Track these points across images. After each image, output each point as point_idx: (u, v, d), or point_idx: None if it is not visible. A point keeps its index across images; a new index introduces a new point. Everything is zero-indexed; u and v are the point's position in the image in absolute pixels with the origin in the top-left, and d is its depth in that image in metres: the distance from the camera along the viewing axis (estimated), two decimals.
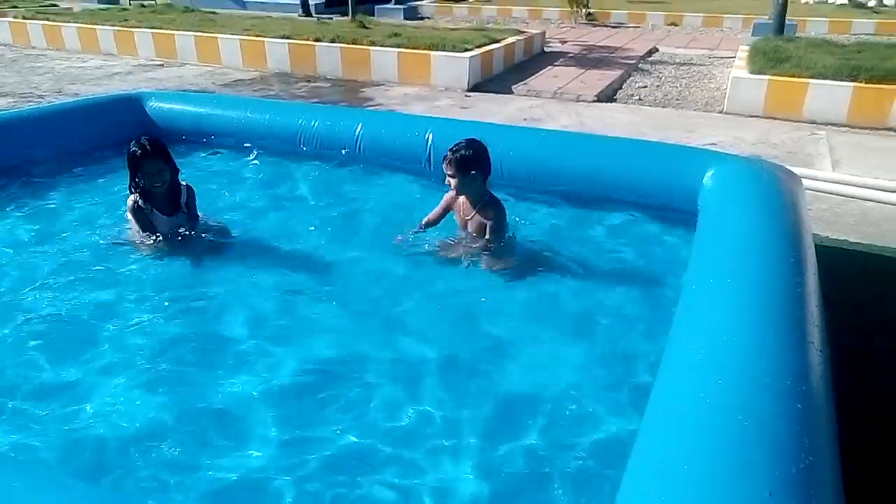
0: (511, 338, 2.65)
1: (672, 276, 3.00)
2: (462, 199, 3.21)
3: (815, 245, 2.68)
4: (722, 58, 10.47)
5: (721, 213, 3.02)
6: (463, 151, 3.03)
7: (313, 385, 2.35)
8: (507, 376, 2.42)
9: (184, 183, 3.34)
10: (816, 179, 4.75)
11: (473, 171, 3.04)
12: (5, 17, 12.40)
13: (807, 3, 18.37)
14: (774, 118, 6.83)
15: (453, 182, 3.08)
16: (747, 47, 8.62)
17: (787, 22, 10.54)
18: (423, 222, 3.41)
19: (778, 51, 7.81)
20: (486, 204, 3.16)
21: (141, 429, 2.12)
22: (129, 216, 3.23)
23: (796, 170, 4.07)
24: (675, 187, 3.62)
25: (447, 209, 3.36)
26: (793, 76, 6.90)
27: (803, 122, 6.69)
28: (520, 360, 2.51)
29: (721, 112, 7.15)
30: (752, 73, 7.22)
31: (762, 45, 8.45)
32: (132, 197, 3.19)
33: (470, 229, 3.23)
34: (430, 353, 2.53)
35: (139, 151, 3.05)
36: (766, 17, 11.68)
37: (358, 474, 1.95)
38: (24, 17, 11.97)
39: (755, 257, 2.43)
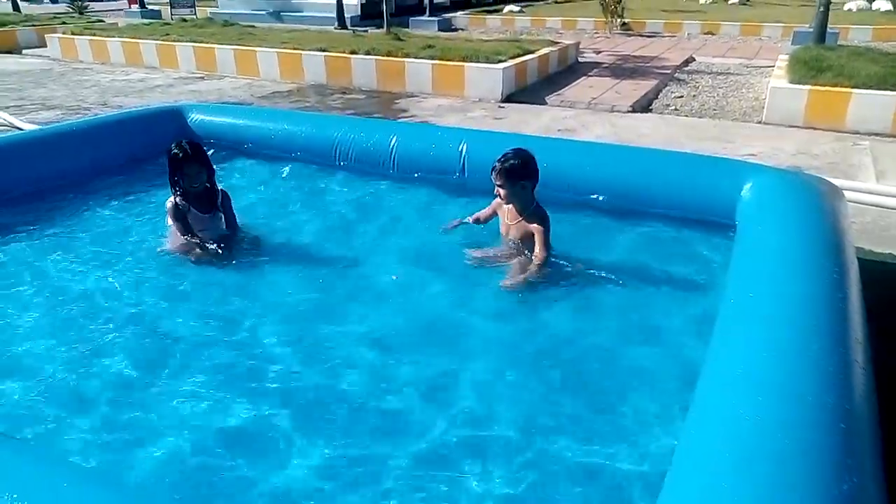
0: (545, 347, 2.64)
1: (710, 290, 2.96)
2: (508, 207, 3.25)
3: (859, 259, 2.62)
4: (760, 67, 10.30)
5: (760, 226, 2.97)
6: (512, 161, 3.08)
7: (350, 394, 2.38)
8: (541, 384, 2.41)
9: (220, 187, 3.50)
10: (859, 191, 4.63)
11: (523, 182, 3.10)
12: (55, 32, 12.87)
13: (850, 10, 17.97)
14: (815, 128, 6.69)
15: (502, 192, 3.13)
16: (787, 56, 8.47)
17: (828, 30, 10.32)
18: (472, 217, 3.50)
19: (819, 60, 7.65)
20: (532, 213, 3.19)
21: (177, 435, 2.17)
22: (169, 217, 3.37)
23: (838, 182, 3.98)
24: (712, 200, 3.58)
25: (494, 212, 3.42)
26: (835, 86, 6.75)
27: (845, 133, 6.53)
28: (552, 371, 2.50)
29: (759, 122, 7.03)
30: (791, 82, 7.09)
31: (803, 54, 8.29)
32: (171, 199, 3.35)
33: (512, 236, 3.27)
34: (466, 363, 2.54)
35: (180, 154, 3.24)
36: (807, 25, 11.46)
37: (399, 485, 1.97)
38: (72, 33, 12.41)
39: (796, 272, 2.38)
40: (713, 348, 2.06)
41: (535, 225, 3.14)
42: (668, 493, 1.48)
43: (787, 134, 6.57)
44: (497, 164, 3.10)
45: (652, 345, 2.65)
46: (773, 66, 8.65)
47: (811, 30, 10.50)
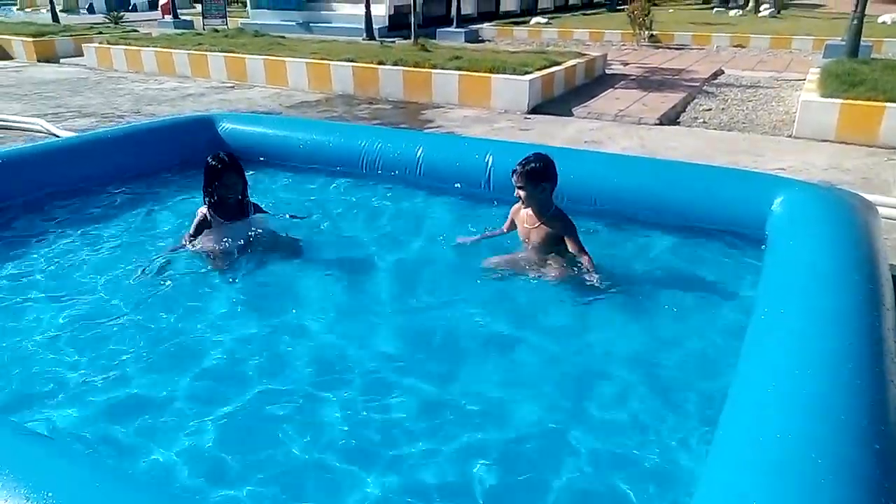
0: (571, 358, 2.63)
1: (740, 304, 2.92)
2: (527, 211, 3.29)
3: (893, 276, 2.57)
4: (791, 80, 10.17)
5: (791, 241, 2.93)
6: (533, 164, 3.15)
7: (382, 400, 2.39)
8: (565, 395, 2.40)
9: (251, 199, 3.59)
10: (893, 207, 4.54)
11: (543, 184, 3.17)
12: (92, 42, 13.20)
13: (884, 22, 17.67)
14: (847, 143, 6.57)
15: (522, 194, 3.18)
16: (818, 70, 8.35)
17: (862, 43, 10.15)
18: (485, 234, 3.59)
19: (852, 73, 7.53)
20: (553, 216, 3.24)
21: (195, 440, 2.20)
22: (194, 225, 3.43)
23: (871, 197, 3.91)
24: (741, 214, 3.54)
25: (513, 223, 3.47)
26: (868, 100, 6.64)
27: (878, 148, 6.41)
28: (576, 383, 2.49)
29: (790, 136, 6.93)
30: (823, 96, 6.98)
31: (835, 67, 8.17)
32: (203, 208, 3.42)
33: (533, 239, 3.30)
34: (494, 371, 2.54)
35: (219, 165, 3.33)
36: (839, 38, 11.30)
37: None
38: (108, 43, 12.71)
39: (828, 288, 2.35)
40: (743, 364, 2.03)
41: (559, 227, 3.22)
42: None
43: (819, 148, 6.47)
44: (518, 166, 3.18)
45: (678, 358, 2.62)
46: (804, 80, 8.53)
47: (843, 42, 10.34)
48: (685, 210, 3.73)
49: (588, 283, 3.08)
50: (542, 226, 3.25)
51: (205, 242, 3.45)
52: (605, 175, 4.02)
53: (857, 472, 1.45)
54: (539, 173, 3.15)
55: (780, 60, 12.88)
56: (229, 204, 3.44)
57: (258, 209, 3.64)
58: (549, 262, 3.23)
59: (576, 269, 3.18)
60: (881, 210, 3.57)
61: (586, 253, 3.18)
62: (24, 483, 1.45)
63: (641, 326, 2.87)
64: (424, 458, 2.11)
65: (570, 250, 3.20)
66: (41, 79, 11.14)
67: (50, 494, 1.42)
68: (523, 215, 3.34)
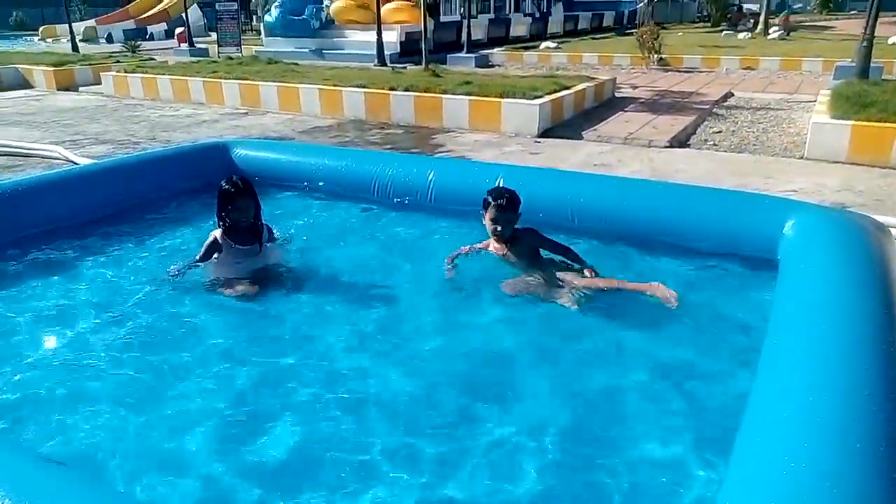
0: (584, 383, 2.62)
1: (751, 330, 2.90)
2: (497, 239, 3.46)
3: None
4: (801, 102, 10.17)
5: (803, 265, 2.92)
6: (511, 194, 3.38)
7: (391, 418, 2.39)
8: (578, 418, 2.38)
9: (264, 222, 3.61)
10: None
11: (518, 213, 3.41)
12: (109, 71, 13.48)
13: (894, 43, 17.67)
14: (859, 164, 6.55)
15: (501, 225, 3.36)
16: (829, 91, 8.35)
17: (872, 64, 10.16)
18: (467, 248, 3.69)
19: (863, 95, 7.53)
20: (519, 232, 3.44)
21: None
22: (204, 248, 3.46)
23: (884, 219, 3.89)
24: (753, 237, 3.52)
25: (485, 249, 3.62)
26: (880, 121, 6.63)
27: (891, 169, 6.38)
28: (589, 407, 2.47)
29: (801, 158, 6.92)
30: (834, 118, 6.98)
31: (845, 89, 8.17)
32: (216, 231, 3.45)
33: (514, 259, 3.46)
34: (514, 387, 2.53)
35: (232, 189, 3.36)
36: (849, 59, 11.31)
37: None
38: (125, 71, 12.98)
39: (841, 313, 2.32)
40: (757, 389, 2.01)
41: (527, 242, 3.45)
42: None
43: (830, 170, 6.45)
44: (502, 200, 3.34)
45: (689, 384, 2.60)
46: (815, 101, 8.54)
47: (854, 64, 10.36)
48: (695, 234, 3.72)
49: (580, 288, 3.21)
50: (514, 246, 3.45)
51: (216, 267, 3.48)
52: (615, 199, 4.03)
53: (874, 500, 1.43)
54: (517, 201, 3.39)
55: (790, 82, 12.90)
56: (242, 228, 3.46)
57: (270, 233, 3.65)
58: (559, 280, 3.31)
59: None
60: (894, 232, 3.54)
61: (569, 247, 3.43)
62: None
63: (651, 350, 2.85)
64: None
65: (551, 249, 3.44)
66: (60, 107, 11.37)
67: None
68: (494, 245, 3.51)
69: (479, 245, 3.65)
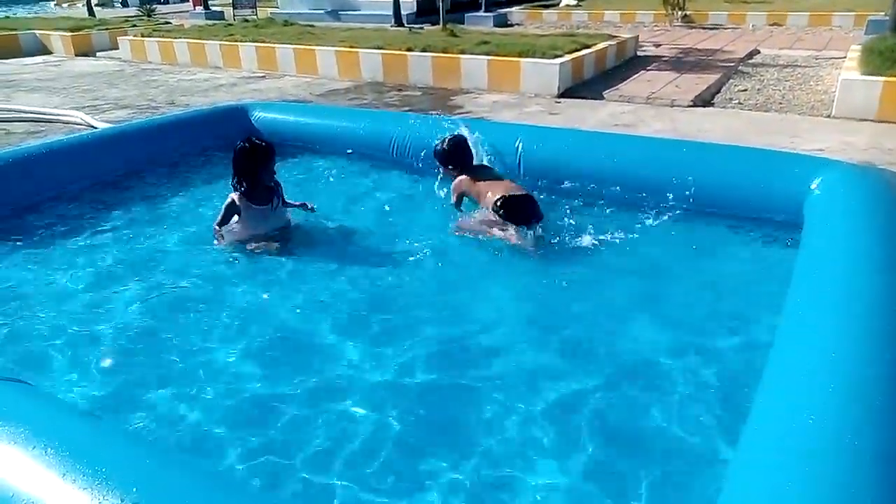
0: (600, 345, 2.63)
1: (777, 288, 2.86)
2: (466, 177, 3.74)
3: None
4: (830, 59, 9.87)
5: (829, 225, 2.87)
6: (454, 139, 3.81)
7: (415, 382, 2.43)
8: (594, 389, 2.40)
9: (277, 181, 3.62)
10: None
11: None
12: (126, 35, 13.45)
13: None
14: (890, 122, 6.37)
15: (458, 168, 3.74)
16: (859, 47, 8.09)
17: None
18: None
19: None
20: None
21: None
22: (222, 211, 3.47)
23: None
24: (778, 196, 3.47)
25: (462, 193, 3.78)
26: None
27: None
28: (603, 370, 2.49)
29: (829, 116, 6.74)
30: (864, 74, 6.76)
31: (877, 44, 7.90)
32: (233, 194, 3.46)
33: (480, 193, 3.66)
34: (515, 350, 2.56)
35: (256, 150, 3.38)
36: (883, 13, 10.91)
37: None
38: (142, 35, 12.94)
39: (868, 274, 2.29)
40: (777, 350, 2.00)
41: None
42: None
43: (859, 128, 6.28)
44: (446, 144, 3.82)
45: (708, 349, 2.58)
46: (845, 58, 8.28)
47: (887, 18, 9.98)
48: (720, 193, 3.66)
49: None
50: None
51: (237, 227, 3.52)
52: (636, 158, 3.97)
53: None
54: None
55: (819, 38, 12.51)
56: (259, 188, 3.46)
57: (280, 192, 3.62)
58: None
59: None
60: None
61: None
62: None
63: (671, 311, 2.84)
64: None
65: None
66: (79, 72, 11.41)
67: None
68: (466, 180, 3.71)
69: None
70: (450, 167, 3.85)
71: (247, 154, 3.39)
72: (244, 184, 3.43)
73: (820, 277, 2.33)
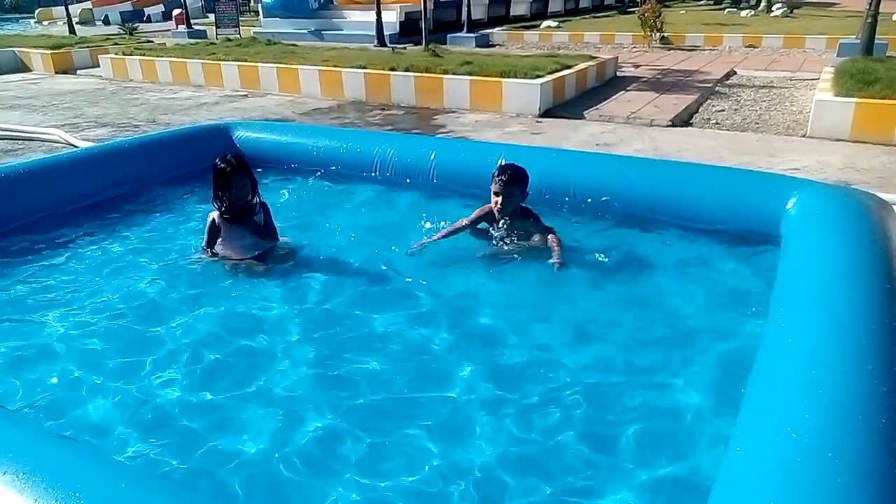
0: (579, 361, 2.63)
1: (754, 307, 2.90)
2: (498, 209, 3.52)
3: None
4: (805, 80, 10.10)
5: (806, 244, 2.91)
6: (516, 170, 3.45)
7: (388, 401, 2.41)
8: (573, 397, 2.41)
9: (259, 200, 3.57)
10: None
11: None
12: (107, 53, 13.39)
13: None
14: (863, 142, 6.52)
15: (501, 199, 3.43)
16: (832, 69, 8.29)
17: (877, 41, 10.06)
18: (446, 231, 3.68)
19: (867, 72, 7.47)
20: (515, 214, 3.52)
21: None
22: (206, 232, 3.46)
23: (887, 196, 3.88)
24: (755, 215, 3.52)
25: (479, 219, 3.65)
26: (884, 98, 6.58)
27: (895, 147, 6.35)
28: (592, 388, 2.49)
29: (804, 136, 6.89)
30: (837, 95, 6.93)
31: (849, 66, 8.11)
32: (214, 213, 3.44)
33: (511, 228, 3.53)
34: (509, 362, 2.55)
35: (227, 167, 3.33)
36: (854, 36, 11.20)
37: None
38: (123, 54, 12.89)
39: (844, 290, 2.33)
40: (759, 366, 2.02)
41: (531, 220, 3.54)
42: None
43: (833, 148, 6.42)
44: (503, 175, 3.42)
45: (691, 364, 2.60)
46: (818, 79, 8.47)
47: (858, 41, 10.26)
48: (698, 212, 3.71)
49: (551, 263, 3.32)
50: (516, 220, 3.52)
51: (219, 247, 3.49)
52: (617, 177, 4.02)
53: (876, 476, 1.44)
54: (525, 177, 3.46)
55: (793, 60, 12.80)
56: (239, 206, 3.42)
57: (266, 210, 3.58)
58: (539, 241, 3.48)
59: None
60: None
61: (555, 233, 3.49)
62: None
63: (653, 326, 2.86)
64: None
65: (542, 232, 3.50)
66: (59, 90, 11.32)
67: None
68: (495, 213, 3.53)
69: (458, 224, 3.68)
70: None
71: (216, 172, 3.37)
72: (221, 201, 3.41)
73: (797, 302, 2.35)
